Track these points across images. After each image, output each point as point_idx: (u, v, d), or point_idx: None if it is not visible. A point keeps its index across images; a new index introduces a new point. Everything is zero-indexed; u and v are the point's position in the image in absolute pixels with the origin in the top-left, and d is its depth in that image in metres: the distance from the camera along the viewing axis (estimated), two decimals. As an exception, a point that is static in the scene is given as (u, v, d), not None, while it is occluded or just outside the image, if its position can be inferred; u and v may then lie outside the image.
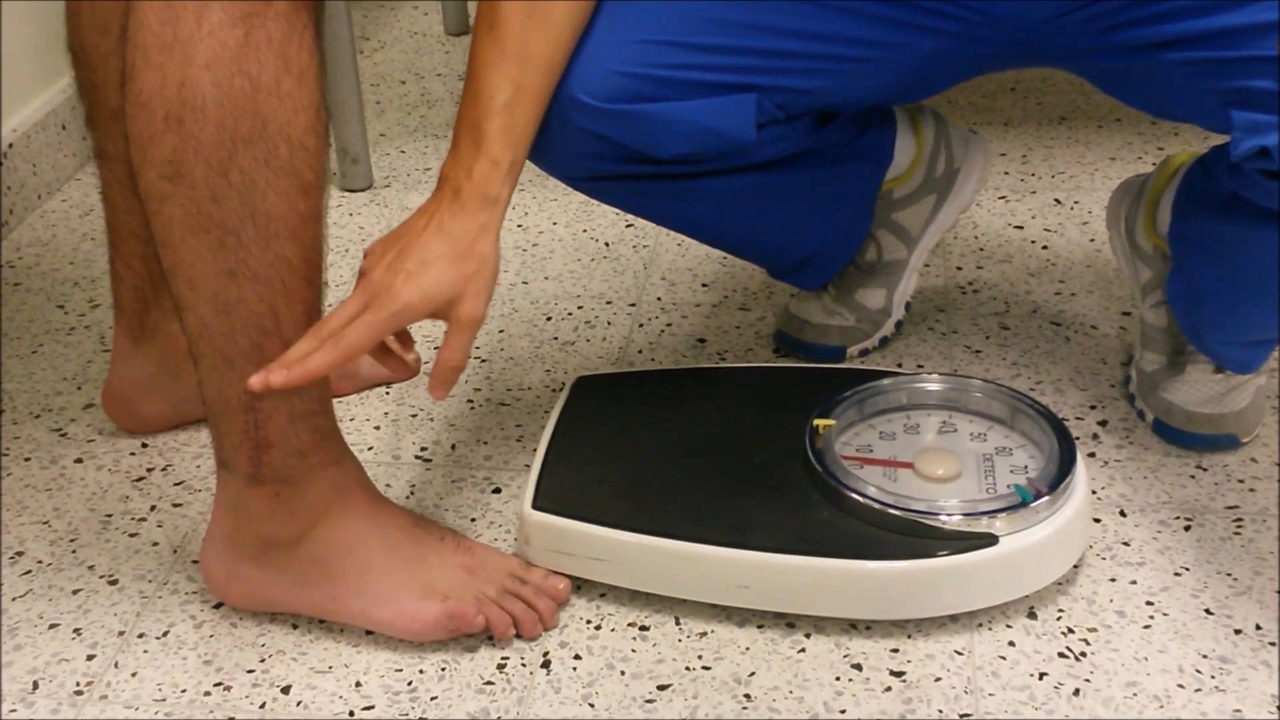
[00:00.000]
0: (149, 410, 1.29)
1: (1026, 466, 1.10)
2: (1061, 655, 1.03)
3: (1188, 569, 1.11)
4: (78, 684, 1.04)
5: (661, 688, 1.02)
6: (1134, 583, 1.10)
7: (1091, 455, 1.24)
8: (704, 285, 1.53)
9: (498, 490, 1.23)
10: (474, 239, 0.98)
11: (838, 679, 1.02)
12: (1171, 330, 1.25)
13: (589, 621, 1.08)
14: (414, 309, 0.97)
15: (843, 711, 0.99)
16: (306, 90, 0.93)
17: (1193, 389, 1.22)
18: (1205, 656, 1.03)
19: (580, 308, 1.50)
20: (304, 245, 0.96)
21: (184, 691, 1.03)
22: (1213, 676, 1.01)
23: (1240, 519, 1.16)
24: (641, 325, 1.46)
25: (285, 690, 1.03)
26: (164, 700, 1.03)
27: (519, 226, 1.66)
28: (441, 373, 0.99)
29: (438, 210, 0.99)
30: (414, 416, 1.33)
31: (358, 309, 0.97)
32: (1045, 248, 1.56)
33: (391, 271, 0.97)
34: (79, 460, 1.29)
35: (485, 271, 0.99)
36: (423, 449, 1.29)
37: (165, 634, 1.09)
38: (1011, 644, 1.05)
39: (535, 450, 1.16)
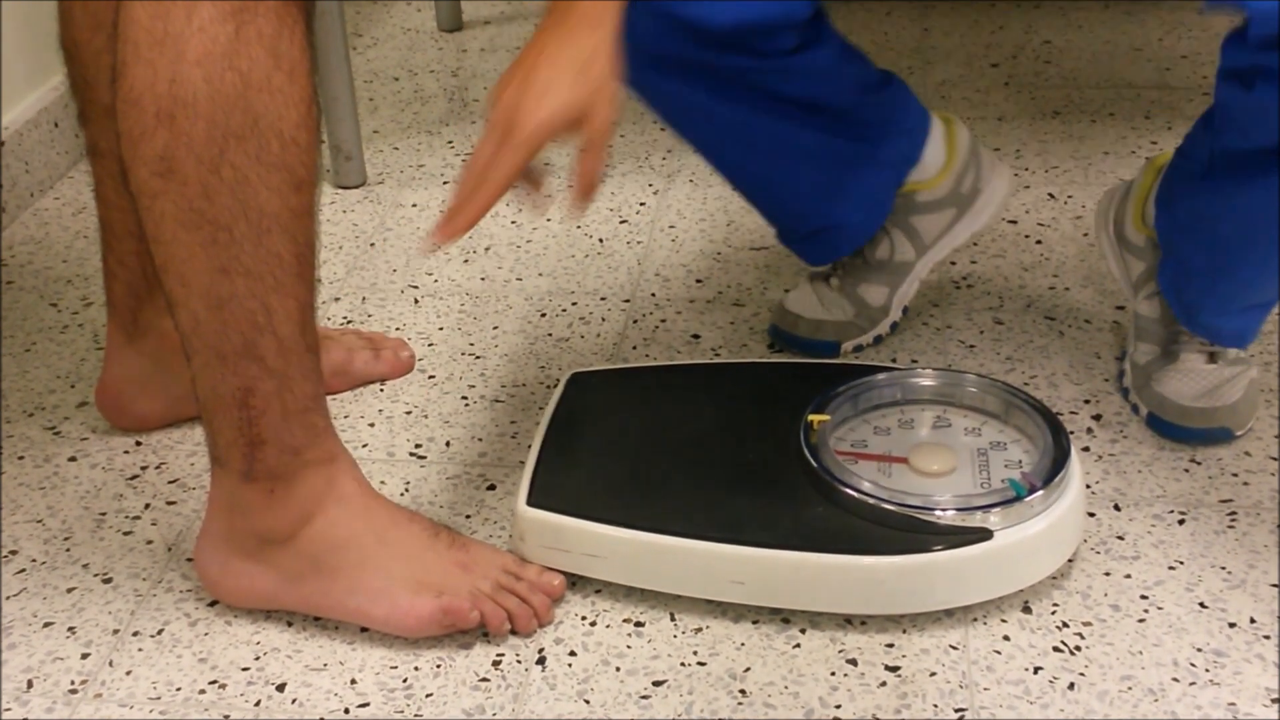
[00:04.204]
0: (143, 408, 1.29)
1: (1021, 461, 1.10)
2: (1056, 649, 1.04)
3: (1182, 563, 1.11)
4: (72, 682, 1.04)
5: (657, 684, 1.02)
6: (1128, 577, 1.10)
7: (1086, 449, 1.24)
8: (698, 281, 1.53)
9: (492, 487, 1.23)
10: (589, 59, 0.98)
11: (833, 674, 1.02)
12: (1164, 320, 1.27)
13: (584, 618, 1.08)
14: (549, 125, 0.97)
15: (838, 707, 0.99)
16: (298, 86, 0.93)
17: (1186, 380, 1.23)
18: (1200, 650, 1.03)
19: (574, 304, 1.50)
20: (296, 241, 0.96)
21: (179, 689, 1.03)
22: (1207, 670, 1.01)
23: (1234, 513, 1.16)
24: (636, 321, 1.46)
25: (280, 688, 1.03)
26: (159, 698, 1.02)
27: (512, 223, 1.66)
28: (583, 187, 1.00)
29: (547, 40, 0.99)
30: (408, 413, 1.33)
31: (493, 147, 0.97)
32: (1039, 242, 1.56)
33: (521, 92, 0.98)
34: (73, 459, 1.29)
35: (608, 87, 0.99)
36: (417, 446, 1.29)
37: (160, 632, 1.09)
38: (1006, 638, 1.05)
39: (530, 447, 1.16)
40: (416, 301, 1.51)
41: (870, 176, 1.32)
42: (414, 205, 1.72)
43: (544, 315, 1.48)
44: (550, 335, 1.44)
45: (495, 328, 1.46)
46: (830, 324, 1.37)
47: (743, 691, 1.01)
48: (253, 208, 0.93)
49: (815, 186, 1.31)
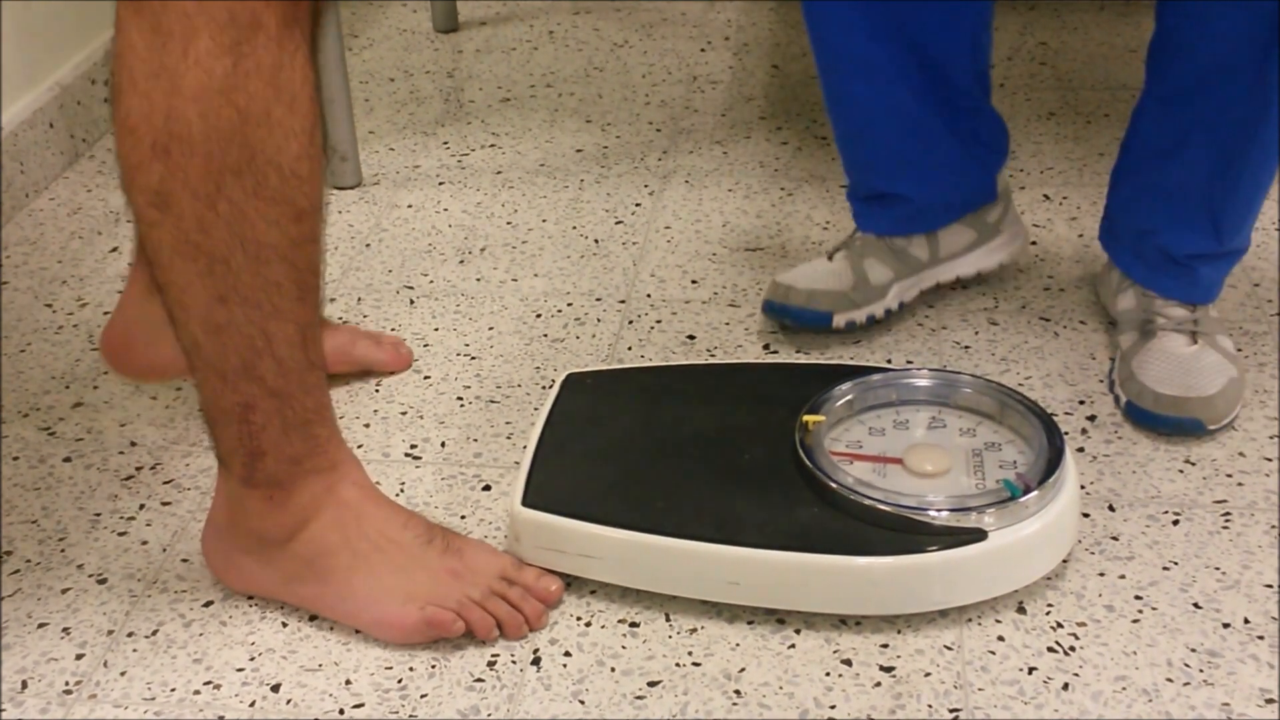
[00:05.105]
0: (152, 356, 1.26)
1: (1015, 461, 1.10)
2: (1051, 650, 1.04)
3: (1176, 563, 1.11)
4: (67, 683, 1.04)
5: (652, 684, 1.02)
6: (1123, 577, 1.10)
7: (1080, 450, 1.24)
8: (693, 282, 1.53)
9: (488, 488, 1.23)
10: None
11: (828, 675, 1.02)
12: (1140, 307, 1.31)
13: (579, 618, 1.08)
14: None
15: (833, 707, 0.99)
16: (299, 116, 0.91)
17: (1165, 365, 1.24)
18: (1194, 650, 1.03)
19: (570, 304, 1.50)
20: (297, 268, 0.95)
21: (173, 690, 1.03)
22: (1201, 670, 1.01)
23: (1228, 513, 1.16)
24: (631, 322, 1.46)
25: (275, 688, 1.03)
26: (153, 699, 1.02)
27: (508, 224, 1.66)
28: None
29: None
30: (403, 414, 1.33)
31: None
32: (1034, 243, 1.57)
33: None
34: (67, 459, 1.29)
35: None
36: (412, 446, 1.29)
37: (154, 633, 1.08)
38: (1001, 639, 1.05)
39: (525, 447, 1.16)
40: (412, 302, 1.51)
41: (962, 187, 1.39)
42: (409, 206, 1.72)
43: (539, 316, 1.48)
44: (545, 336, 1.44)
45: (490, 328, 1.46)
46: (824, 294, 1.37)
47: (737, 692, 1.01)
48: (250, 240, 0.92)
49: (915, 151, 1.35)
